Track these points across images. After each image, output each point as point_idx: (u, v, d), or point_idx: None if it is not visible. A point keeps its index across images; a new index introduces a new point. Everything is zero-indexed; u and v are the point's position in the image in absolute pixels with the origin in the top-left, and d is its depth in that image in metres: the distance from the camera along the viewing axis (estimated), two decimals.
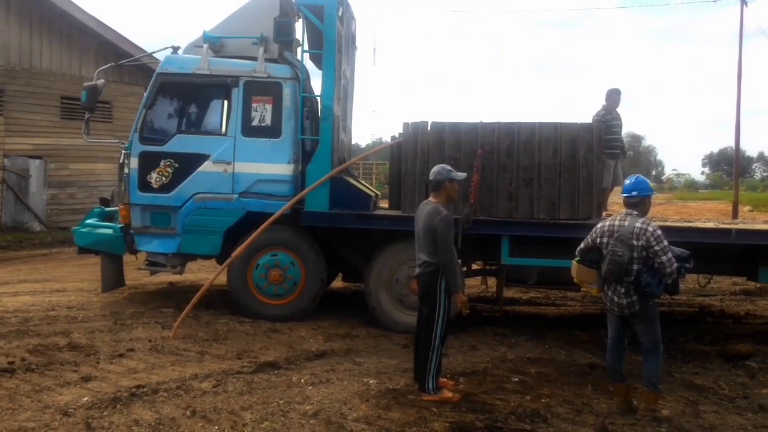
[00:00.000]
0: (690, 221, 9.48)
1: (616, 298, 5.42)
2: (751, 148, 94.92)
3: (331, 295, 9.85)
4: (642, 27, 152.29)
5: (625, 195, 5.57)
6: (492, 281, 9.36)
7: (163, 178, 8.38)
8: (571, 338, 7.86)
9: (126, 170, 8.51)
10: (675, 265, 5.23)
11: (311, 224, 8.25)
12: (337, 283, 10.30)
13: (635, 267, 5.27)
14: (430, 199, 5.82)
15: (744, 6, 26.79)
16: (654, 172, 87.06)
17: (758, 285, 10.60)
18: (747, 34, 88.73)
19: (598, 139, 7.93)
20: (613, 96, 9.43)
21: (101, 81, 8.78)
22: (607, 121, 9.12)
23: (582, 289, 6.37)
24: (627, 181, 5.62)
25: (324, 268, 8.42)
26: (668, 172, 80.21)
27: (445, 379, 5.90)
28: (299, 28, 8.86)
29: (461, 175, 5.94)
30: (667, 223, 8.21)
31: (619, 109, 9.49)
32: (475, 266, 8.93)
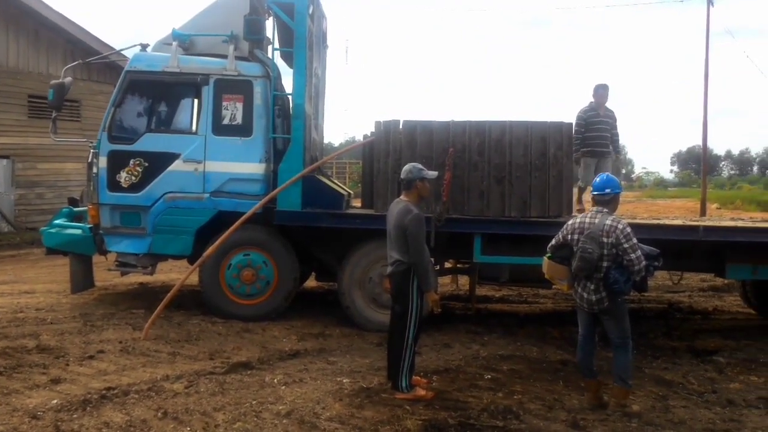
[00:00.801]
0: (659, 219, 9.59)
1: (585, 295, 5.47)
2: (718, 146, 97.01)
3: (304, 295, 9.82)
4: (612, 25, 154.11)
5: (596, 193, 5.62)
6: (464, 279, 9.40)
7: (133, 178, 8.27)
8: (542, 335, 7.94)
9: (95, 170, 8.39)
10: (643, 262, 5.30)
11: (284, 223, 8.21)
12: (311, 282, 10.27)
13: (605, 264, 5.33)
14: (402, 197, 5.82)
15: (710, 6, 27.23)
16: (624, 171, 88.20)
17: (725, 281, 10.79)
18: (713, 33, 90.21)
19: (567, 137, 8.01)
20: (600, 91, 9.28)
21: (69, 79, 8.64)
22: (588, 119, 9.09)
23: (553, 286, 6.42)
24: (597, 179, 5.68)
25: (297, 268, 8.39)
26: (638, 170, 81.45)
27: (418, 377, 5.91)
28: (270, 26, 8.81)
29: (432, 173, 5.95)
30: (637, 221, 8.32)
31: (609, 105, 9.32)
32: (447, 264, 8.97)
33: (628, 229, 5.34)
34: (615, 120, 9.42)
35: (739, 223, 8.81)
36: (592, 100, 9.28)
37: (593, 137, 9.10)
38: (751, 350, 7.56)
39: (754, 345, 7.77)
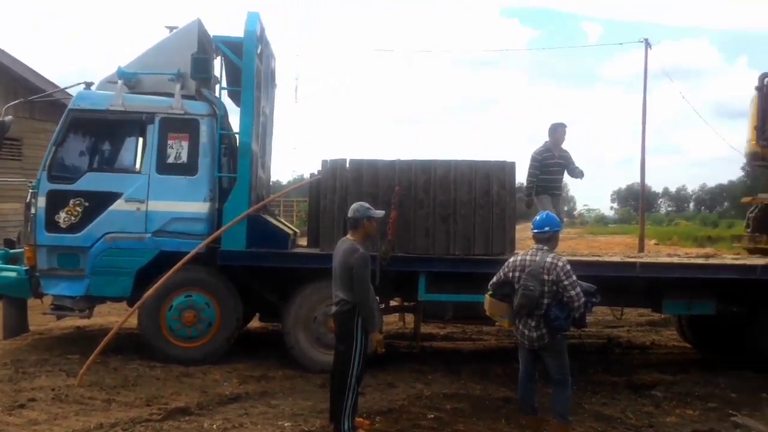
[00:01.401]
0: (599, 255, 9.85)
1: (526, 332, 5.56)
2: (656, 183, 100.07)
3: (247, 336, 9.66)
4: (552, 68, 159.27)
5: (536, 231, 5.76)
6: (410, 317, 9.42)
7: (72, 218, 8.08)
8: (486, 373, 7.98)
9: (33, 210, 8.16)
10: (582, 299, 5.44)
11: (228, 263, 8.12)
12: (254, 323, 10.13)
13: (545, 301, 5.45)
14: (348, 236, 5.84)
15: (648, 49, 28.45)
16: (566, 208, 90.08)
17: (663, 316, 11.09)
18: (651, 75, 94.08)
19: (510, 176, 8.19)
20: (559, 130, 9.04)
21: (9, 117, 8.47)
22: (544, 160, 8.89)
23: (496, 323, 6.50)
24: (537, 218, 5.83)
25: (240, 309, 8.27)
26: (579, 207, 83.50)
27: (361, 419, 5.87)
28: (217, 65, 8.82)
29: (379, 213, 6.00)
30: (576, 258, 8.51)
31: (565, 145, 9.09)
32: (393, 303, 8.98)
33: (568, 267, 5.48)
34: (569, 160, 9.17)
35: (675, 260, 9.12)
36: (547, 140, 9.08)
37: (548, 180, 8.94)
38: (686, 384, 7.74)
39: (689, 378, 7.96)
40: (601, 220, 74.25)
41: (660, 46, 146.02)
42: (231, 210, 8.12)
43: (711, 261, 8.98)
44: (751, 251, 10.30)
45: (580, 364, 8.18)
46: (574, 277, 5.44)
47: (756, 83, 9.85)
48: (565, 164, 9.10)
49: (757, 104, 9.68)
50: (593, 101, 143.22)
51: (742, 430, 6.22)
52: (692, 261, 8.91)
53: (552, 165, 8.96)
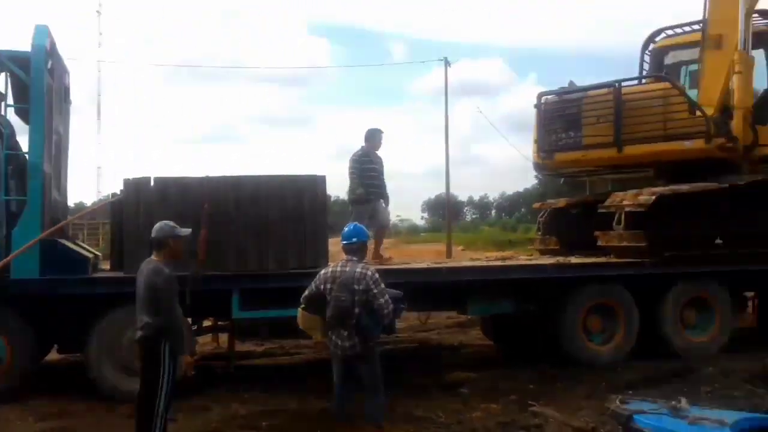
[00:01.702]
0: (408, 263, 10.26)
1: (339, 342, 5.67)
2: (462, 193, 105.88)
3: (46, 370, 8.87)
4: (361, 85, 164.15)
5: (345, 242, 5.89)
6: (224, 337, 9.20)
7: None
8: (303, 386, 7.97)
9: None
10: (391, 306, 5.64)
11: (20, 293, 7.42)
12: (53, 355, 9.33)
13: (356, 310, 5.58)
14: (153, 257, 5.59)
15: (447, 66, 30.48)
16: (384, 215, 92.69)
17: (469, 317, 11.79)
18: (452, 91, 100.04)
19: (321, 189, 8.30)
20: (377, 135, 9.12)
21: None
22: (363, 164, 8.93)
23: (311, 337, 6.55)
24: (345, 229, 5.97)
25: (34, 342, 7.59)
26: (393, 217, 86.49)
27: None
28: (2, 81, 8.10)
29: (185, 231, 5.80)
30: (386, 266, 8.80)
31: (380, 151, 9.20)
32: (206, 323, 8.71)
33: (377, 275, 5.66)
34: (383, 167, 9.32)
35: (477, 263, 9.75)
36: (364, 144, 9.13)
37: (368, 185, 8.99)
38: (491, 379, 8.20)
39: (493, 374, 8.43)
40: (414, 230, 77.31)
41: (459, 63, 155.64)
42: (21, 235, 7.43)
43: (507, 263, 9.72)
44: (543, 252, 11.27)
45: (394, 368, 8.46)
46: (383, 285, 5.63)
47: (526, 107, 10.84)
48: (381, 170, 9.26)
49: (536, 121, 10.67)
50: (401, 117, 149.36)
51: (540, 419, 6.69)
52: (491, 264, 9.57)
53: (371, 170, 9.08)
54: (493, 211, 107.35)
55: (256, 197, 8.00)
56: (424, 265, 9.18)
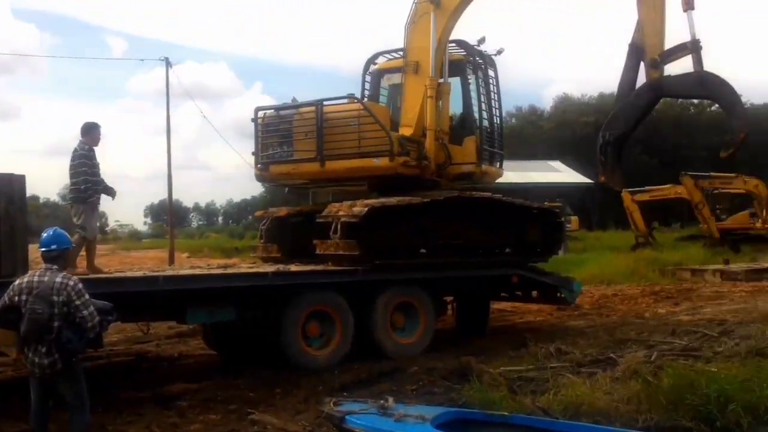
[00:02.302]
0: (122, 272, 9.67)
1: (37, 359, 5.14)
2: (187, 199, 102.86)
3: None
4: (76, 79, 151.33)
5: (43, 250, 5.36)
6: None
7: None
8: (1, 407, 7.08)
9: None
10: (97, 318, 5.26)
11: None
12: None
13: (56, 324, 5.11)
14: None
15: (169, 67, 29.39)
16: (98, 224, 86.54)
17: (191, 326, 11.44)
18: (176, 93, 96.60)
19: (20, 190, 7.46)
20: (95, 129, 8.47)
21: None
22: (92, 159, 8.30)
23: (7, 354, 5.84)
24: (44, 235, 5.43)
25: None
26: (112, 223, 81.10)
27: None
28: None
29: None
30: (95, 276, 8.20)
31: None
32: None
33: (80, 286, 5.25)
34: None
35: (197, 271, 9.51)
36: (83, 139, 8.41)
37: (96, 182, 8.35)
38: (210, 390, 8.08)
39: (213, 384, 8.32)
40: (135, 236, 73.29)
41: (183, 65, 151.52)
42: None
43: (229, 271, 9.64)
44: (265, 260, 11.38)
45: (104, 383, 7.92)
46: (87, 296, 5.23)
47: (251, 115, 10.98)
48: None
49: (254, 134, 10.88)
50: (120, 115, 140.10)
51: (259, 427, 6.72)
52: (212, 272, 9.42)
53: (97, 166, 8.49)
54: (220, 218, 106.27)
55: None
56: (139, 274, 8.71)
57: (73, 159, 8.43)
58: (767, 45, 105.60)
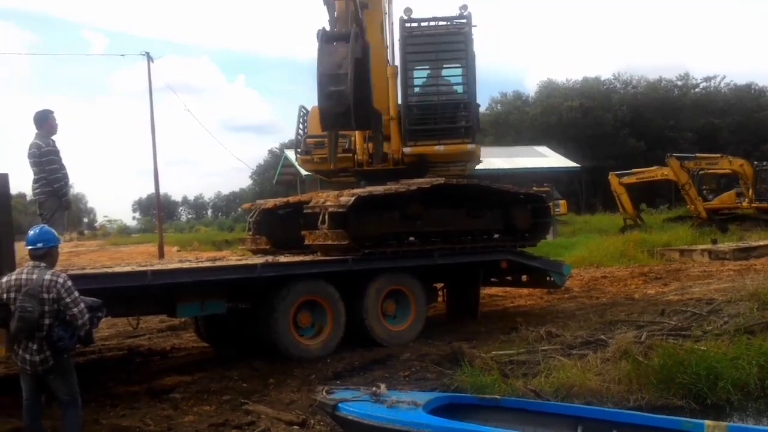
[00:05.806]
0: (110, 267, 9.60)
1: (28, 357, 5.13)
2: (176, 193, 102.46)
3: None
4: (58, 76, 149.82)
5: (30, 247, 5.33)
6: None
7: None
8: None
9: None
10: (87, 315, 5.24)
11: None
12: None
13: (47, 321, 5.10)
14: None
15: (150, 62, 29.09)
16: (86, 220, 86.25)
17: (181, 320, 11.43)
18: (159, 89, 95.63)
19: (3, 188, 7.39)
20: (51, 116, 8.10)
21: None
22: (58, 154, 8.05)
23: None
24: (30, 232, 5.39)
25: None
26: (100, 219, 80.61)
27: None
28: None
29: None
30: (85, 272, 8.16)
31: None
32: None
33: (69, 283, 5.22)
34: None
35: (186, 265, 9.46)
36: (39, 131, 8.10)
37: (61, 177, 8.12)
38: (204, 382, 8.09)
39: (206, 376, 8.32)
40: (125, 231, 72.91)
41: (165, 60, 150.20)
42: None
43: (218, 263, 9.60)
44: (254, 252, 11.36)
45: (99, 378, 7.92)
46: (77, 293, 5.21)
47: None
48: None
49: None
50: (105, 112, 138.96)
51: (253, 416, 6.75)
52: (201, 265, 9.38)
53: (60, 160, 8.26)
54: (210, 211, 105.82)
55: None
56: (128, 269, 8.66)
57: (39, 155, 8.13)
58: (748, 25, 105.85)
